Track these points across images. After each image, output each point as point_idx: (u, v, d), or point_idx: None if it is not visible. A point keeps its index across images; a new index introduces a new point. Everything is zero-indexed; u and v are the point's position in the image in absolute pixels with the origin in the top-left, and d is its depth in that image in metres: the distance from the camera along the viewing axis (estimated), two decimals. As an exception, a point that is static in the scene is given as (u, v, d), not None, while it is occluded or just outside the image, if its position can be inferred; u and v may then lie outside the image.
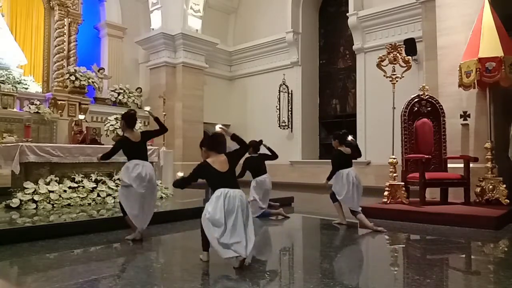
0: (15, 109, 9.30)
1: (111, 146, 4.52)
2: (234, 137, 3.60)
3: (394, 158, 6.20)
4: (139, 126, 10.07)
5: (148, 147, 7.22)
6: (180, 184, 3.49)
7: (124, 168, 4.25)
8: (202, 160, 3.38)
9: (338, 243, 4.52)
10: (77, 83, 10.49)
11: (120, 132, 8.78)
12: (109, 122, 9.60)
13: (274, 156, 5.87)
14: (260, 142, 5.84)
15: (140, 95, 12.48)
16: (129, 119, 4.38)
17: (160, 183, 7.20)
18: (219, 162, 3.30)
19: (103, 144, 7.43)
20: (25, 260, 3.52)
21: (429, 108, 6.40)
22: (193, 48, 11.94)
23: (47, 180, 5.89)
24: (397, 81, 6.32)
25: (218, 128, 3.67)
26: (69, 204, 5.79)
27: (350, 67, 11.44)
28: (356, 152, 5.25)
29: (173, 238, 4.78)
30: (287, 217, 5.91)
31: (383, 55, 6.39)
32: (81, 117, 9.18)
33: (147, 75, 12.57)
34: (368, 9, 10.18)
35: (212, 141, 3.45)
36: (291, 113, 11.82)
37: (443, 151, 6.31)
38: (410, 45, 8.62)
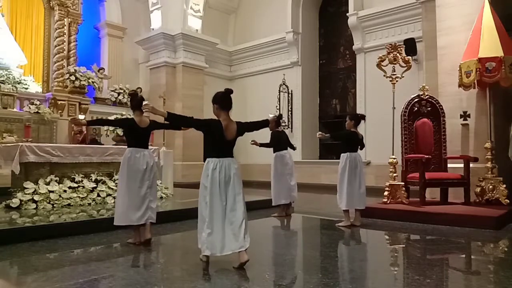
0: (15, 109, 9.31)
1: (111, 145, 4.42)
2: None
3: (394, 158, 6.20)
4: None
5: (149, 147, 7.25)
6: (178, 119, 3.42)
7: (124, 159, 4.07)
8: (202, 154, 3.37)
9: (338, 243, 4.52)
10: (77, 83, 10.49)
11: (120, 132, 8.78)
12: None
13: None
14: (280, 116, 5.93)
15: (140, 95, 12.48)
16: (133, 99, 4.19)
17: (160, 183, 7.20)
18: (229, 128, 3.29)
19: (103, 144, 7.44)
20: (25, 260, 3.52)
21: (429, 108, 6.40)
22: (193, 48, 11.94)
23: (47, 180, 5.88)
24: (397, 81, 6.32)
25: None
26: (69, 204, 5.79)
27: (350, 67, 11.43)
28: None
29: (173, 238, 4.78)
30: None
31: (383, 55, 6.38)
32: (81, 117, 9.17)
33: (147, 75, 12.57)
34: (368, 9, 10.18)
35: (224, 99, 3.36)
36: (291, 113, 11.82)
37: (443, 151, 6.31)
38: (410, 45, 8.62)
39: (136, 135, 4.10)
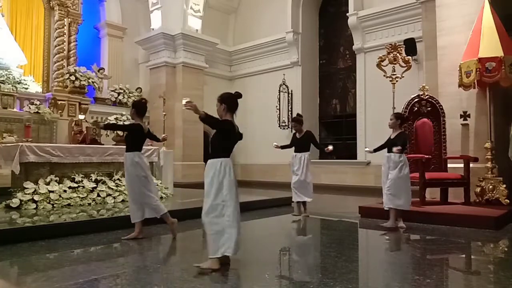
0: (15, 109, 9.31)
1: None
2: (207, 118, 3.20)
3: (394, 158, 6.19)
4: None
5: (148, 147, 7.27)
6: (208, 119, 3.20)
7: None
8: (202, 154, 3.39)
9: (338, 243, 4.51)
10: (77, 83, 10.49)
11: (120, 132, 8.78)
12: (109, 122, 9.59)
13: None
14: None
15: (140, 95, 12.49)
16: (139, 107, 4.46)
17: (160, 183, 7.20)
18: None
19: (103, 144, 7.43)
20: (25, 260, 3.52)
21: (429, 108, 6.40)
22: (193, 48, 11.94)
23: (47, 180, 5.88)
24: (397, 81, 6.32)
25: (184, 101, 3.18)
26: (69, 204, 5.79)
27: (350, 67, 11.44)
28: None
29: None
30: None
31: (383, 55, 6.39)
32: (81, 117, 9.16)
33: (147, 75, 12.57)
34: (368, 9, 10.18)
35: (234, 102, 3.34)
36: (291, 113, 11.80)
37: (443, 151, 6.31)
38: (410, 45, 8.62)
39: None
